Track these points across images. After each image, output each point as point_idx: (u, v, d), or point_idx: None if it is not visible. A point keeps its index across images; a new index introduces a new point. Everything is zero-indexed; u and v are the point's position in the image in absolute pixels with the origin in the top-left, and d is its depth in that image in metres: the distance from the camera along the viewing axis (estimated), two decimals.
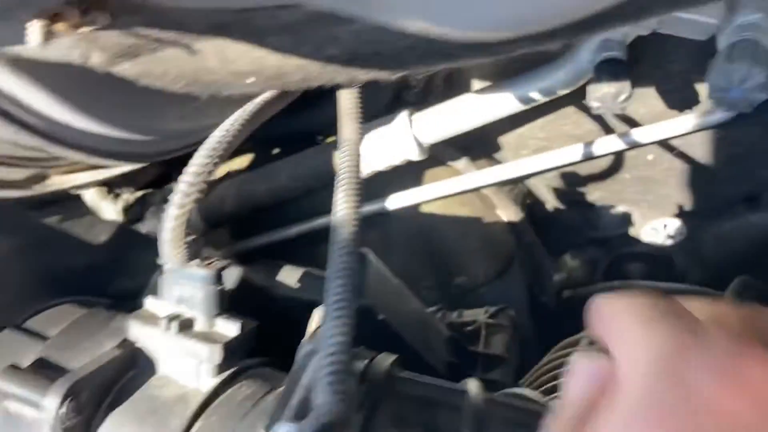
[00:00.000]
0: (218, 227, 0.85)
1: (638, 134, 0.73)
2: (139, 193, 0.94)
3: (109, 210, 0.91)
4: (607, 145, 0.75)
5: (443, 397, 0.41)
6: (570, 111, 0.76)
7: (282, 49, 0.37)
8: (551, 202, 0.92)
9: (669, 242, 0.95)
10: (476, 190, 0.86)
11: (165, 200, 0.90)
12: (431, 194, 0.83)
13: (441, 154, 0.85)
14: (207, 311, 0.47)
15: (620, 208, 0.91)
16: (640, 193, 0.84)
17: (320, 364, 0.32)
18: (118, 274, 0.54)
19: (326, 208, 0.87)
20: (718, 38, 0.53)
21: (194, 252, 0.44)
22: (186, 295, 0.47)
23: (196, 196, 0.38)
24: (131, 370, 0.48)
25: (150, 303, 0.49)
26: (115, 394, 0.47)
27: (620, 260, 1.01)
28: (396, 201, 0.83)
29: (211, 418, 0.44)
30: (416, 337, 0.64)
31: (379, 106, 0.81)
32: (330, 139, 0.86)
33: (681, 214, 0.90)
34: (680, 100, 0.71)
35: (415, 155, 0.74)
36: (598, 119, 0.76)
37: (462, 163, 0.85)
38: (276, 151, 0.93)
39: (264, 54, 0.38)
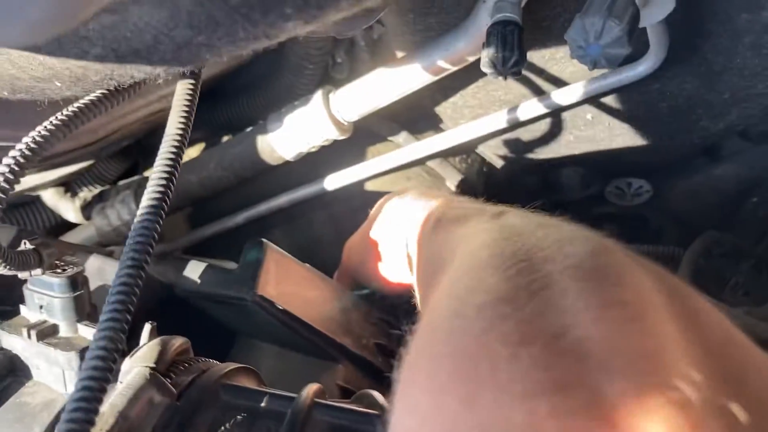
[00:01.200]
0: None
1: (565, 94, 0.70)
2: (97, 191, 0.96)
3: (68, 209, 0.93)
4: (538, 107, 0.72)
5: (269, 406, 0.40)
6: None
7: (53, 53, 0.36)
8: (506, 169, 0.89)
9: (637, 201, 0.91)
10: (420, 163, 0.84)
11: (118, 195, 0.91)
12: (373, 170, 0.81)
13: (381, 129, 0.83)
14: (67, 318, 0.47)
15: (577, 169, 0.88)
16: (589, 154, 0.80)
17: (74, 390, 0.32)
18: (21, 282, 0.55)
19: (269, 193, 0.87)
20: None
21: (34, 260, 0.44)
22: (45, 303, 0.47)
23: None
24: (8, 377, 0.49)
25: (23, 310, 0.50)
26: None
27: (591, 222, 0.97)
28: (337, 180, 0.82)
29: None
30: (332, 323, 0.63)
31: (310, 87, 0.79)
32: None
33: (641, 172, 0.86)
34: None
35: (335, 134, 0.72)
36: (526, 82, 0.73)
37: (402, 136, 0.83)
38: (226, 139, 0.93)
39: (47, 59, 0.37)
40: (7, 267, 0.41)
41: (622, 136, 0.77)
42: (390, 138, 0.84)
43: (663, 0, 0.48)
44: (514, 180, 0.93)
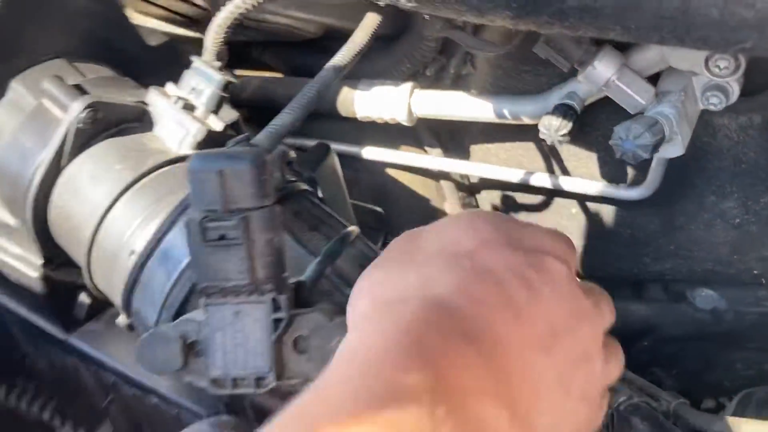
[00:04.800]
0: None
1: (566, 182, 0.91)
2: None
3: None
4: (541, 181, 0.92)
5: (329, 222, 0.56)
6: (531, 146, 0.94)
7: None
8: None
9: None
10: (435, 176, 1.03)
11: None
12: (401, 160, 1.00)
13: (423, 136, 1.02)
14: (207, 106, 0.63)
15: None
16: None
17: None
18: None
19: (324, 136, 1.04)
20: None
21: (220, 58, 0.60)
22: (198, 88, 0.63)
23: (247, 8, 0.54)
24: (136, 122, 0.64)
25: (169, 86, 0.65)
26: (119, 129, 0.63)
27: None
28: (371, 153, 1.00)
29: (176, 170, 0.60)
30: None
31: (397, 80, 0.98)
32: None
33: (583, 276, 1.07)
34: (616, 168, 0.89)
35: (403, 118, 0.91)
36: (546, 162, 0.94)
37: (435, 151, 1.02)
38: None
39: None
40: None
41: (586, 240, 0.98)
42: (426, 147, 1.03)
43: (677, 144, 0.70)
44: None
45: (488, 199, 1.06)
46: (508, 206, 1.02)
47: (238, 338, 0.42)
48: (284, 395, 0.35)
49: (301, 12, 0.80)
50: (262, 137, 0.47)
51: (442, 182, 1.04)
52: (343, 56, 0.59)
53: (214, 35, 0.57)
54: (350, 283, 0.51)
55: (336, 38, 1.01)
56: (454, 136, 1.01)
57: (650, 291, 1.02)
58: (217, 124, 0.63)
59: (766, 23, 0.40)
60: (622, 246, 0.95)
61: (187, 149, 0.62)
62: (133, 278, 0.53)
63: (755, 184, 0.83)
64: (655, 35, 0.47)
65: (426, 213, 1.05)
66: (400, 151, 1.01)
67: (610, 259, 0.99)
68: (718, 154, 0.82)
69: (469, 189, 1.06)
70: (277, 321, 0.42)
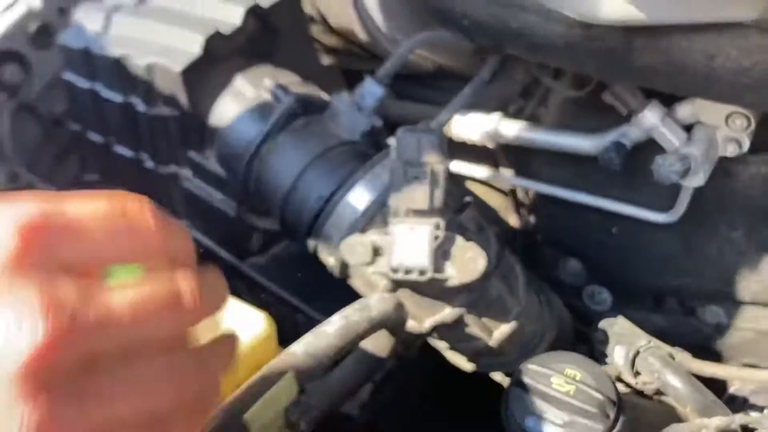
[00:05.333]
0: None
1: (609, 204, 1.16)
2: None
3: None
4: (590, 200, 1.18)
5: (460, 194, 0.83)
6: (585, 172, 1.20)
7: None
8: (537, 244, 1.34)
9: (597, 308, 1.36)
10: (510, 193, 1.30)
11: None
12: (479, 174, 1.27)
13: (498, 158, 1.29)
14: (373, 108, 0.90)
15: (575, 263, 1.32)
16: (593, 253, 1.26)
17: None
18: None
19: None
20: None
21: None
22: (366, 95, 0.90)
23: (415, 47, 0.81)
24: (321, 113, 0.91)
25: (344, 92, 0.93)
26: (310, 118, 0.90)
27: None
28: (457, 166, 1.27)
29: (349, 148, 0.87)
30: None
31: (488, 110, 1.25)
32: None
33: (608, 286, 1.31)
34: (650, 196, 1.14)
35: (488, 142, 1.18)
36: (599, 186, 1.19)
37: (507, 170, 1.29)
38: None
39: None
40: None
41: (622, 255, 1.23)
42: (500, 166, 1.30)
43: (699, 176, 0.96)
44: (534, 248, 1.38)
45: (543, 213, 1.31)
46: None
47: (411, 244, 0.68)
48: None
49: (430, 52, 1.08)
50: (435, 125, 0.74)
51: (510, 197, 1.31)
52: (476, 84, 0.86)
53: (391, 63, 0.85)
54: (468, 229, 0.77)
55: (437, 76, 1.30)
56: (523, 159, 1.28)
57: (668, 304, 1.26)
58: (377, 122, 0.90)
59: (759, 86, 0.66)
60: (650, 262, 1.20)
61: (356, 137, 0.89)
62: (326, 213, 0.79)
63: (759, 219, 1.08)
64: (691, 90, 0.74)
65: (493, 221, 1.31)
66: (479, 166, 1.28)
67: (639, 273, 1.23)
68: (731, 193, 1.08)
69: (530, 205, 1.32)
70: (436, 237, 0.68)
